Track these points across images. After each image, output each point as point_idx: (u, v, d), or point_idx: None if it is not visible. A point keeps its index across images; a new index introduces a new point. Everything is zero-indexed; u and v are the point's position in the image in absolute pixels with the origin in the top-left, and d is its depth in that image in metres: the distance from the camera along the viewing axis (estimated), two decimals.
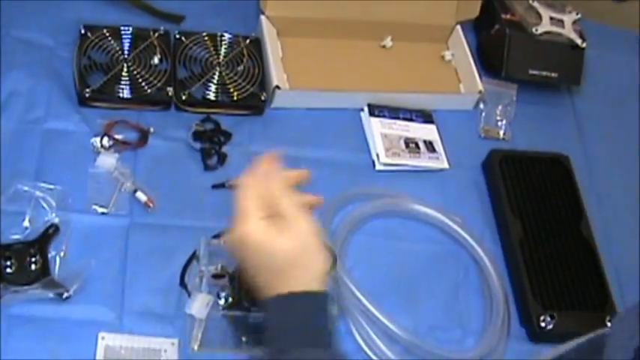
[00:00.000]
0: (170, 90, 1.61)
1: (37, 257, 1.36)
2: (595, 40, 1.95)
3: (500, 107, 1.83)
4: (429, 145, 1.72)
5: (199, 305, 1.28)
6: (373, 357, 1.42)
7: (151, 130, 1.58)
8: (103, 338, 1.33)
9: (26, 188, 1.43)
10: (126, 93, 1.59)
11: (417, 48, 1.87)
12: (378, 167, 1.67)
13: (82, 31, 1.63)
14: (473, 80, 1.81)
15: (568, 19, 1.91)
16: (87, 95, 1.56)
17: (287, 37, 1.76)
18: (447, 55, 1.88)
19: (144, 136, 1.57)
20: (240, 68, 1.68)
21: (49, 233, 1.40)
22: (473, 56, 1.85)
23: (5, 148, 1.49)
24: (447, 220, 1.60)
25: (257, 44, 1.73)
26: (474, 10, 1.88)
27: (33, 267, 1.35)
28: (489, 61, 1.90)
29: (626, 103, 1.98)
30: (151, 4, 1.74)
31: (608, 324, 1.51)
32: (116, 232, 1.45)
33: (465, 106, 1.83)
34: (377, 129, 1.70)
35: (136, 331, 1.36)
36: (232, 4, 1.82)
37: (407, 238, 1.59)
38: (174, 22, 1.75)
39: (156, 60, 1.64)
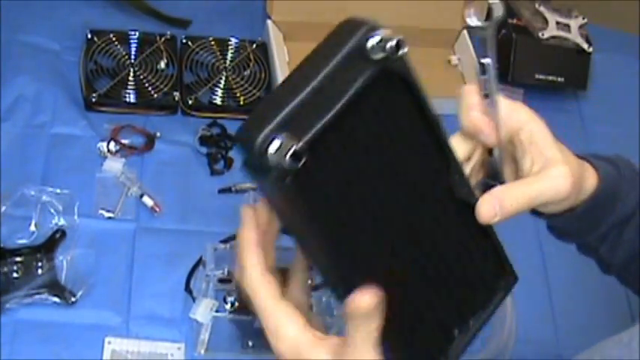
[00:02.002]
0: (177, 95, 1.61)
1: (44, 262, 1.36)
2: (601, 45, 1.95)
3: None
4: None
5: (203, 310, 1.28)
6: None
7: (158, 134, 1.58)
8: (109, 343, 1.33)
9: (33, 193, 1.44)
10: (132, 98, 1.59)
11: (423, 52, 1.87)
12: None
13: (89, 36, 1.64)
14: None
15: (574, 23, 1.91)
16: (93, 100, 1.57)
17: (293, 41, 1.76)
18: (454, 59, 1.88)
19: (150, 141, 1.57)
20: (247, 73, 1.69)
21: (56, 238, 1.40)
22: (479, 61, 1.85)
23: (12, 152, 1.49)
24: None
25: (263, 49, 1.73)
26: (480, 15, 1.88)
27: (39, 271, 1.35)
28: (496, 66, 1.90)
29: (632, 107, 1.97)
30: (157, 8, 1.74)
31: None
32: (123, 237, 1.45)
33: None
34: None
35: (143, 336, 1.36)
36: (239, 9, 1.83)
37: None
38: (181, 26, 1.75)
39: (162, 65, 1.64)
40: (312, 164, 0.66)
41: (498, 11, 0.80)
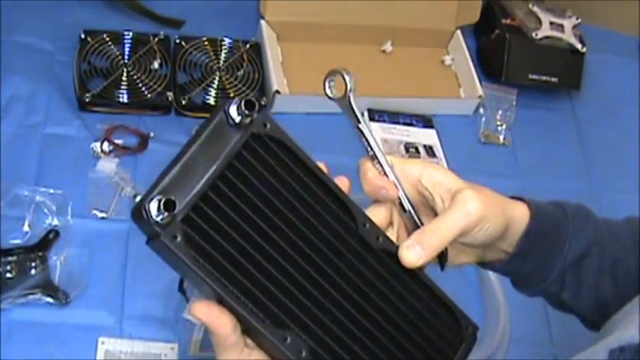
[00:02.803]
0: (170, 95, 1.61)
1: (37, 262, 1.36)
2: (595, 45, 1.95)
3: (500, 112, 1.83)
4: (429, 150, 1.72)
5: None
6: None
7: (151, 134, 1.58)
8: (102, 343, 1.33)
9: (26, 193, 1.44)
10: (126, 98, 1.59)
11: (417, 53, 1.88)
12: None
13: (82, 36, 1.63)
14: (473, 85, 1.81)
15: (568, 23, 1.91)
16: (87, 100, 1.56)
17: (287, 41, 1.77)
18: (447, 59, 1.88)
19: (144, 141, 1.57)
20: (240, 73, 1.69)
21: (50, 238, 1.40)
22: (473, 61, 1.85)
23: (5, 152, 1.49)
24: None
25: (257, 49, 1.73)
26: (474, 15, 1.88)
27: (33, 272, 1.35)
28: (489, 66, 1.90)
29: (626, 107, 1.98)
30: (151, 9, 1.74)
31: None
32: (116, 237, 1.45)
33: (464, 111, 1.83)
34: (377, 134, 1.70)
35: (136, 336, 1.36)
36: (232, 9, 1.83)
37: None
38: (175, 26, 1.75)
39: (156, 65, 1.64)
40: (200, 222, 0.74)
41: (350, 83, 0.86)
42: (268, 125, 0.79)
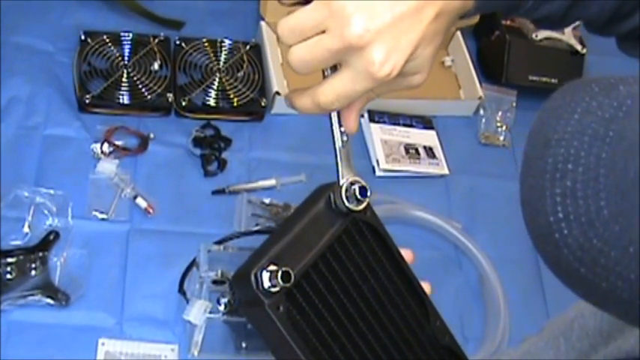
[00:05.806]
0: (170, 96, 1.61)
1: (38, 263, 1.36)
2: (595, 46, 1.95)
3: (500, 113, 1.83)
4: (429, 151, 1.72)
5: (197, 311, 1.28)
6: None
7: (151, 136, 1.58)
8: (103, 344, 1.33)
9: (26, 194, 1.44)
10: (126, 99, 1.59)
11: None
12: (378, 173, 1.67)
13: (82, 37, 1.63)
14: (473, 86, 1.81)
15: None
16: (87, 101, 1.56)
17: None
18: (447, 61, 1.88)
19: (144, 142, 1.57)
20: (240, 74, 1.69)
21: (50, 239, 1.40)
22: (473, 62, 1.85)
23: (5, 153, 1.49)
24: (447, 226, 1.60)
25: (257, 50, 1.73)
26: (474, 17, 1.88)
27: (33, 273, 1.35)
28: (489, 67, 1.90)
29: None
30: (151, 10, 1.74)
31: None
32: (116, 238, 1.45)
33: (464, 112, 1.83)
34: (377, 135, 1.70)
35: (136, 337, 1.36)
36: (232, 11, 1.82)
37: (407, 245, 1.58)
38: (175, 28, 1.75)
39: (156, 66, 1.64)
40: (299, 297, 0.78)
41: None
42: (368, 212, 0.83)
